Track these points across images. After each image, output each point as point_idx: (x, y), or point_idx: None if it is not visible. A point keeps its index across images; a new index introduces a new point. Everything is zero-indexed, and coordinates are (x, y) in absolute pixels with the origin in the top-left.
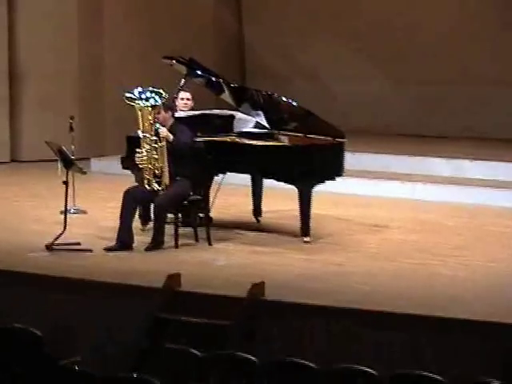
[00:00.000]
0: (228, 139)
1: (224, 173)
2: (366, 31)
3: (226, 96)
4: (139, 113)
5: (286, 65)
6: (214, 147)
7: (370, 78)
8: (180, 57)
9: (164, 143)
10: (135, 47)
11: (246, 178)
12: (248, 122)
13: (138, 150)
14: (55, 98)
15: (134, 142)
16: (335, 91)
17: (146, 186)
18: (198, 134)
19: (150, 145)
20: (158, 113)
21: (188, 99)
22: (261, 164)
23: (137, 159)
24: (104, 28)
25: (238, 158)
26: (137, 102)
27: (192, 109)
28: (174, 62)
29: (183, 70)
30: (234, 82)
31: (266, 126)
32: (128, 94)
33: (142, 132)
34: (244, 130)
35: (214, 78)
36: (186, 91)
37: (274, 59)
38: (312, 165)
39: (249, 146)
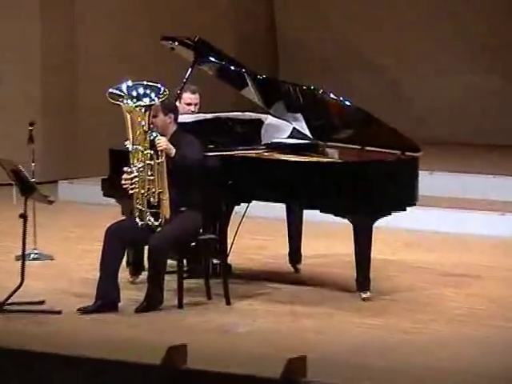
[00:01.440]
0: (253, 154)
1: (248, 202)
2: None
3: (251, 92)
4: (128, 116)
5: (339, 52)
6: (233, 165)
7: (456, 72)
8: (185, 37)
9: (163, 159)
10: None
11: (278, 210)
12: (281, 129)
13: (126, 168)
14: (11, 101)
15: (120, 158)
16: (407, 89)
17: (138, 220)
18: (211, 147)
19: (143, 161)
20: (155, 116)
21: (196, 104)
22: (300, 189)
23: (124, 182)
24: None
25: (268, 180)
26: (125, 100)
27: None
28: (175, 43)
29: (190, 55)
30: (262, 74)
31: (308, 134)
32: (113, 90)
33: (133, 143)
34: (276, 140)
35: (232, 67)
36: (193, 91)
37: (320, 44)
38: (373, 189)
39: (283, 164)
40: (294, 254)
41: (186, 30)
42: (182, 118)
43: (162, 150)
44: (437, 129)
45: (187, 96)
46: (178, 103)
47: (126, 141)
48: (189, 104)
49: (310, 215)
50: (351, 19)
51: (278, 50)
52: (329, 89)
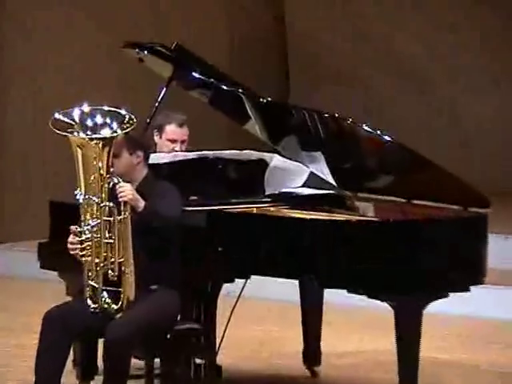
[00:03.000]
0: (254, 209)
1: (246, 277)
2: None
3: (253, 123)
4: (79, 154)
5: (366, 62)
6: (225, 226)
7: None
8: (159, 44)
9: (127, 215)
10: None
11: (289, 288)
12: (293, 174)
13: (74, 228)
14: None
15: (65, 214)
16: (455, 107)
17: (90, 302)
18: (194, 199)
19: (98, 218)
20: (117, 155)
21: (183, 141)
22: (319, 259)
23: (71, 247)
24: None
25: (274, 247)
26: (76, 131)
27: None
28: (143, 52)
29: (165, 69)
30: (266, 97)
31: (330, 181)
32: (60, 116)
33: (85, 193)
34: (286, 190)
35: (224, 87)
36: (181, 123)
37: (341, 52)
38: (423, 261)
39: (295, 224)
40: (311, 352)
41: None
42: (155, 158)
43: (125, 203)
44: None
45: (172, 130)
46: (156, 138)
47: (76, 189)
48: (173, 141)
49: (333, 296)
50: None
51: (286, 47)
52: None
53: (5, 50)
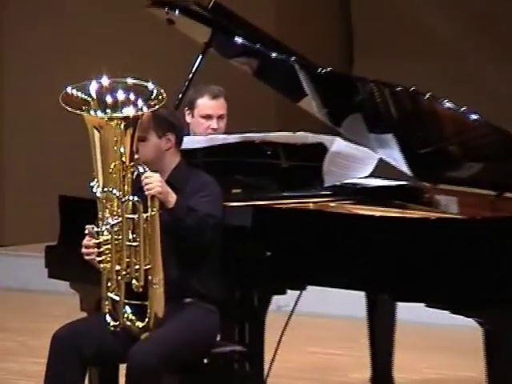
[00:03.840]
0: (310, 205)
1: (300, 288)
2: None
3: (309, 100)
4: (97, 137)
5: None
6: (275, 225)
7: None
8: (189, 2)
9: (155, 213)
10: None
11: (353, 302)
12: (358, 161)
13: (89, 228)
14: None
15: (78, 211)
16: None
17: (109, 319)
18: (238, 193)
19: (119, 215)
20: (143, 139)
21: (220, 117)
22: (391, 267)
23: (87, 251)
24: None
25: (336, 251)
26: (92, 109)
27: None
28: (173, 12)
29: (201, 33)
30: (325, 67)
31: (405, 171)
32: (74, 91)
33: (103, 185)
34: (350, 181)
35: (274, 54)
36: (215, 94)
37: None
38: None
39: (362, 223)
40: (381, 379)
41: None
42: (188, 143)
43: (153, 197)
44: None
45: (204, 103)
46: (188, 117)
47: (92, 181)
48: (207, 117)
49: (407, 312)
50: None
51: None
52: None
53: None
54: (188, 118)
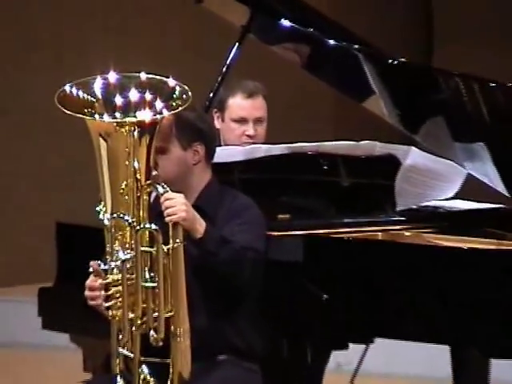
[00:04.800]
0: (378, 234)
1: (366, 341)
2: None
3: (376, 99)
4: (102, 147)
5: None
6: (334, 260)
7: None
8: None
9: (179, 244)
10: None
11: (432, 356)
12: (441, 178)
13: (94, 264)
14: None
15: (80, 242)
16: None
17: (122, 381)
18: (286, 218)
19: (133, 248)
20: (163, 150)
21: (258, 120)
22: (483, 313)
23: (91, 295)
24: None
25: (410, 293)
26: (97, 112)
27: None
28: None
29: (238, 16)
30: (397, 57)
31: (501, 189)
32: (73, 89)
33: (112, 209)
34: (430, 203)
35: (331, 41)
36: (252, 92)
37: None
38: None
39: (445, 257)
40: None
41: None
42: (223, 154)
43: (175, 225)
44: None
45: (237, 104)
46: (217, 122)
47: (98, 204)
48: (241, 120)
49: (505, 371)
50: None
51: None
52: None
53: None
54: (217, 123)
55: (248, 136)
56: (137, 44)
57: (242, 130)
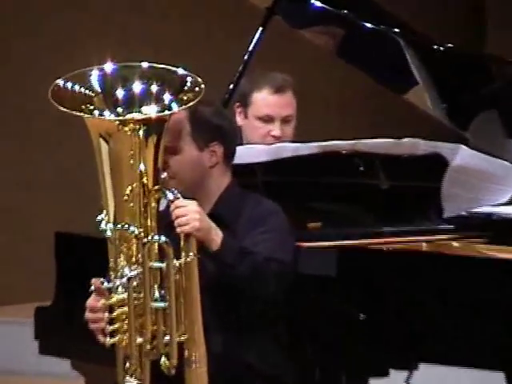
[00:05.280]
0: (424, 245)
1: (409, 367)
2: None
3: (420, 90)
4: (103, 147)
5: None
6: (373, 275)
7: None
8: None
9: (193, 258)
10: None
11: None
12: (495, 180)
13: (96, 282)
14: None
15: (82, 256)
16: None
17: None
18: (317, 226)
19: (140, 264)
20: (173, 150)
21: (287, 120)
22: None
23: (93, 317)
24: None
25: (460, 312)
26: (98, 109)
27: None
28: None
29: None
30: (444, 43)
31: None
32: (68, 83)
33: (115, 218)
34: (483, 210)
35: (369, 24)
36: (280, 87)
37: None
38: None
39: (499, 271)
40: None
41: None
42: (244, 154)
43: (188, 236)
44: None
45: (264, 99)
46: (238, 117)
47: (100, 213)
48: (267, 118)
49: None
50: None
51: None
52: None
53: None
54: (239, 119)
55: (273, 137)
56: (143, 30)
57: (268, 129)
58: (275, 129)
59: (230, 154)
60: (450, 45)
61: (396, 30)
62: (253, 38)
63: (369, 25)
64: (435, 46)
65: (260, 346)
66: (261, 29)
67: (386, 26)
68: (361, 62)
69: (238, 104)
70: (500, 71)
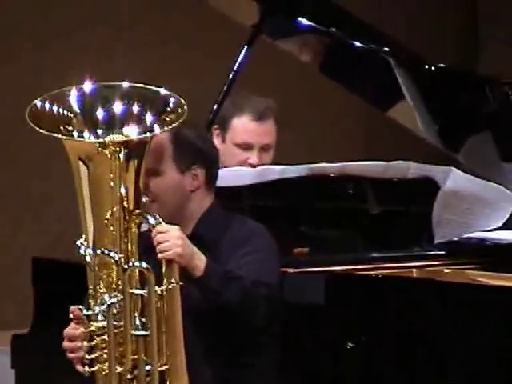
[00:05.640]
0: (414, 271)
1: None
2: None
3: (408, 110)
4: (82, 170)
5: None
6: (361, 301)
7: None
8: None
9: (175, 285)
10: None
11: None
12: (487, 204)
13: (76, 309)
14: None
15: (59, 281)
16: None
17: None
18: (300, 252)
19: (120, 291)
20: (155, 173)
21: (265, 148)
22: None
23: (70, 346)
24: None
25: (453, 341)
26: (77, 131)
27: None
28: None
29: (249, 12)
30: (435, 63)
31: None
32: (45, 104)
33: (94, 243)
34: (476, 235)
35: (357, 43)
36: (261, 114)
37: None
38: None
39: (494, 300)
40: None
41: None
42: (231, 177)
43: (170, 262)
44: None
45: (244, 125)
46: (216, 141)
47: (79, 238)
48: (246, 146)
49: None
50: None
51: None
52: None
53: None
54: (217, 143)
55: (251, 165)
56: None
57: (245, 156)
58: (253, 157)
59: (211, 178)
60: (441, 65)
61: (386, 49)
62: (237, 58)
63: (357, 44)
64: (426, 66)
65: (248, 374)
66: (246, 47)
67: (377, 44)
68: (348, 82)
69: (216, 127)
70: (493, 91)
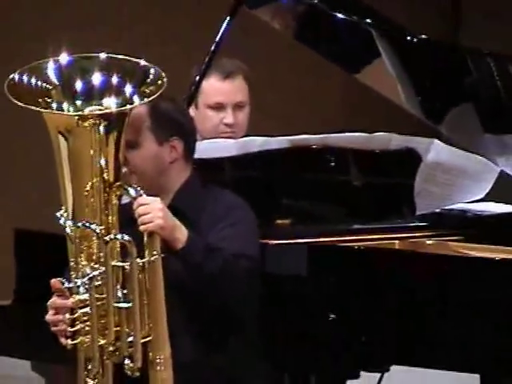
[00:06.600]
0: (396, 243)
1: (380, 369)
2: None
3: (387, 78)
4: (62, 144)
5: None
6: (343, 273)
7: None
8: None
9: (157, 257)
10: None
11: None
12: (469, 175)
13: (57, 282)
14: None
15: (42, 254)
16: None
17: None
18: (282, 223)
19: (101, 263)
20: (134, 145)
21: (239, 105)
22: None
23: (53, 318)
24: None
25: (433, 312)
26: (54, 102)
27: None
28: None
29: None
30: (418, 33)
31: None
32: (23, 77)
33: (74, 215)
34: (457, 207)
35: (340, 15)
36: (228, 73)
37: None
38: None
39: (473, 269)
40: None
41: None
42: (211, 149)
43: (151, 234)
44: None
45: (213, 85)
46: (191, 109)
47: (59, 209)
48: (217, 106)
49: None
50: None
51: None
52: None
53: None
54: (191, 110)
55: (226, 124)
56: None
57: (219, 117)
58: (227, 116)
59: (189, 151)
60: (424, 36)
61: (368, 20)
62: (218, 30)
63: (340, 15)
64: (409, 38)
65: (229, 349)
66: (228, 18)
67: (359, 16)
68: (327, 51)
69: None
70: (475, 63)
